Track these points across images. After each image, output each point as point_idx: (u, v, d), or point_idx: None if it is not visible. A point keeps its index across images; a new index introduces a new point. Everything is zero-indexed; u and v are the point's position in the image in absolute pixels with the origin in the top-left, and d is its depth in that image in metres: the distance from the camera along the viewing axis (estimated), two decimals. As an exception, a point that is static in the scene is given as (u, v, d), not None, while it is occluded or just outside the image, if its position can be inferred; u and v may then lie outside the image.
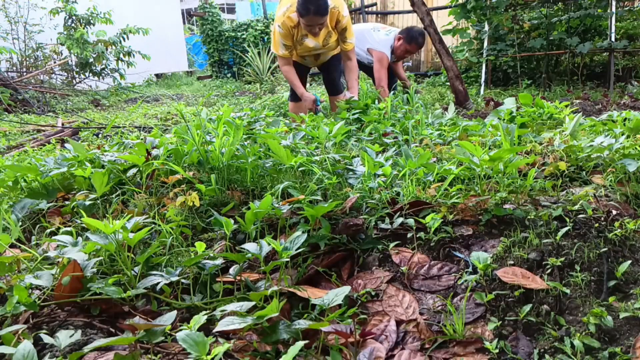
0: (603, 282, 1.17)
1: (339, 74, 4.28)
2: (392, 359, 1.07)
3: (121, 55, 9.90)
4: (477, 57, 7.67)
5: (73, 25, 9.40)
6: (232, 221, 1.42)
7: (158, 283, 1.22)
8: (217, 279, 1.33)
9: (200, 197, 1.67)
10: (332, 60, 4.18)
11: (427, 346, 1.09)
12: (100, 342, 0.95)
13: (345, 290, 1.14)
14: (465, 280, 1.26)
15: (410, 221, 1.48)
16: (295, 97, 4.22)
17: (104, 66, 9.81)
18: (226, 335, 1.12)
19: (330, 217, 1.55)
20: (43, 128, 5.52)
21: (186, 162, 1.95)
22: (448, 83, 5.23)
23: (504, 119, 2.66)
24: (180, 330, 0.99)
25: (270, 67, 9.97)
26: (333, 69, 4.20)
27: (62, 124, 5.68)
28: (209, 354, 0.91)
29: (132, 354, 0.99)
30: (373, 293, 1.30)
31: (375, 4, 11.03)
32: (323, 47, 3.84)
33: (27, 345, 0.92)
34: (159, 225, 1.50)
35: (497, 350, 1.05)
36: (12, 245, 1.46)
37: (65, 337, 0.99)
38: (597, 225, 1.32)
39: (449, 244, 1.43)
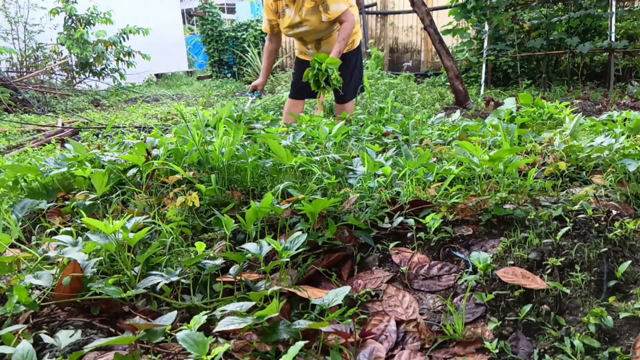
0: (603, 282, 1.17)
1: (349, 78, 3.94)
2: (392, 359, 1.07)
3: (121, 56, 9.91)
4: (477, 57, 7.68)
5: (73, 25, 9.40)
6: (233, 220, 1.42)
7: (158, 283, 1.22)
8: (217, 279, 1.33)
9: (200, 197, 1.67)
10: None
11: (427, 346, 1.09)
12: (100, 342, 0.95)
13: (345, 290, 1.14)
14: (465, 280, 1.26)
15: (410, 221, 1.48)
16: (293, 93, 4.11)
17: (104, 66, 9.82)
18: (226, 335, 1.12)
19: (331, 216, 1.55)
20: (43, 128, 5.52)
21: (186, 162, 1.95)
22: (448, 83, 5.22)
23: (504, 119, 2.66)
24: (180, 330, 0.99)
25: (270, 67, 9.96)
26: (341, 71, 3.75)
27: (62, 124, 5.68)
28: (209, 354, 0.91)
29: (132, 354, 0.99)
30: (373, 293, 1.29)
31: (375, 4, 11.04)
32: (301, 20, 3.64)
33: (26, 345, 0.92)
34: (159, 225, 1.50)
35: (497, 350, 1.04)
36: (12, 245, 1.46)
37: (65, 337, 0.99)
38: (597, 225, 1.32)
39: (449, 244, 1.43)
